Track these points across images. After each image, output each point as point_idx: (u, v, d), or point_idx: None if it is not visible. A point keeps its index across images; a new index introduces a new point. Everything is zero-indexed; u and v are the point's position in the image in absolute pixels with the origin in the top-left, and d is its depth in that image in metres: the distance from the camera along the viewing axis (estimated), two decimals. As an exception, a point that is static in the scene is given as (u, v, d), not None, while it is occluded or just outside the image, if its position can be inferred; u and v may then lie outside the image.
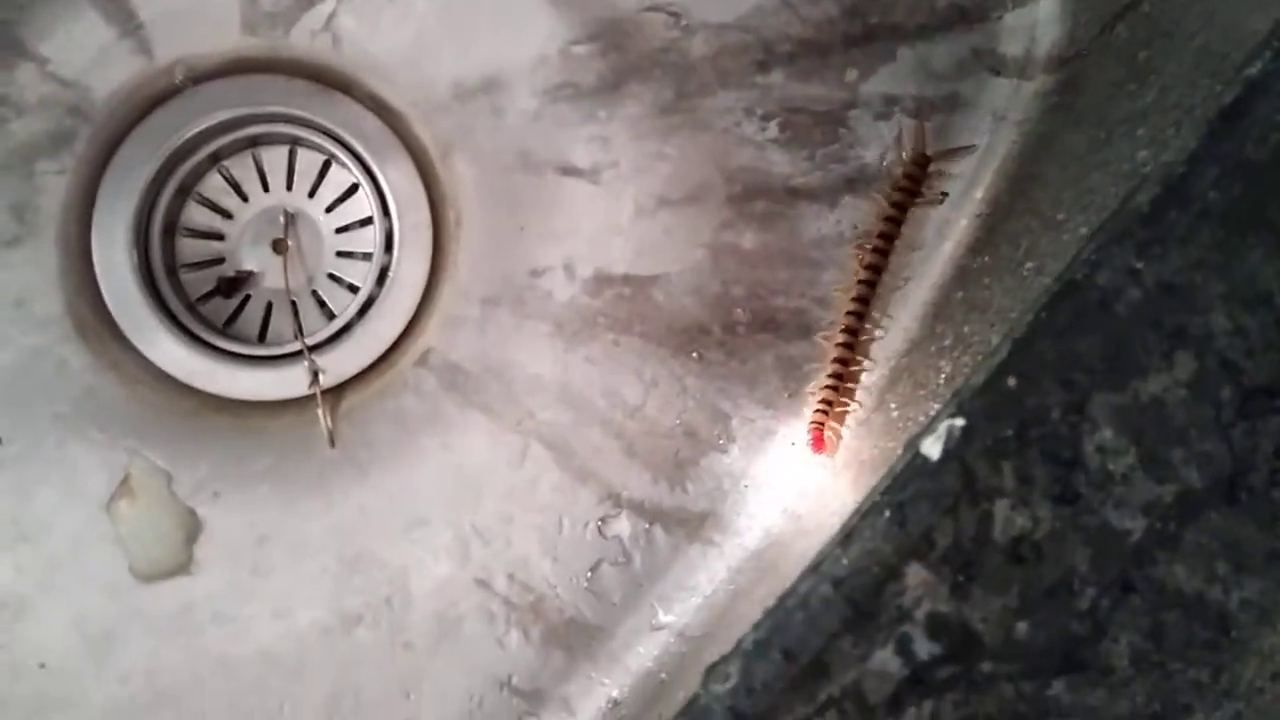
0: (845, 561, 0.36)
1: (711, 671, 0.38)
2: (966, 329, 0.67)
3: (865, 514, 0.37)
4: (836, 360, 0.71)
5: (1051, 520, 0.36)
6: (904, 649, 0.36)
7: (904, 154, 0.74)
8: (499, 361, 0.75)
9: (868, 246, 0.72)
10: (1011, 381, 0.37)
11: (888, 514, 0.36)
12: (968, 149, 0.75)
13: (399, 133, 0.77)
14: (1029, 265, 0.64)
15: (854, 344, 0.72)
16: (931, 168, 0.74)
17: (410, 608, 0.72)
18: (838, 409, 0.71)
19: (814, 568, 0.37)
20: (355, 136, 0.77)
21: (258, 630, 0.72)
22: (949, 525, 0.36)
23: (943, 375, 0.66)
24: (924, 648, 0.36)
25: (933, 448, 0.37)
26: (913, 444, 0.38)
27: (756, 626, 0.37)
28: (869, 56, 0.77)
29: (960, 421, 0.37)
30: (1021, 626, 0.36)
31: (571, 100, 0.77)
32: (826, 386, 0.71)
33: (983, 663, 0.36)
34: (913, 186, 0.73)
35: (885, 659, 0.36)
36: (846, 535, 0.36)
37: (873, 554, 0.36)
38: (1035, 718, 0.36)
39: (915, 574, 0.36)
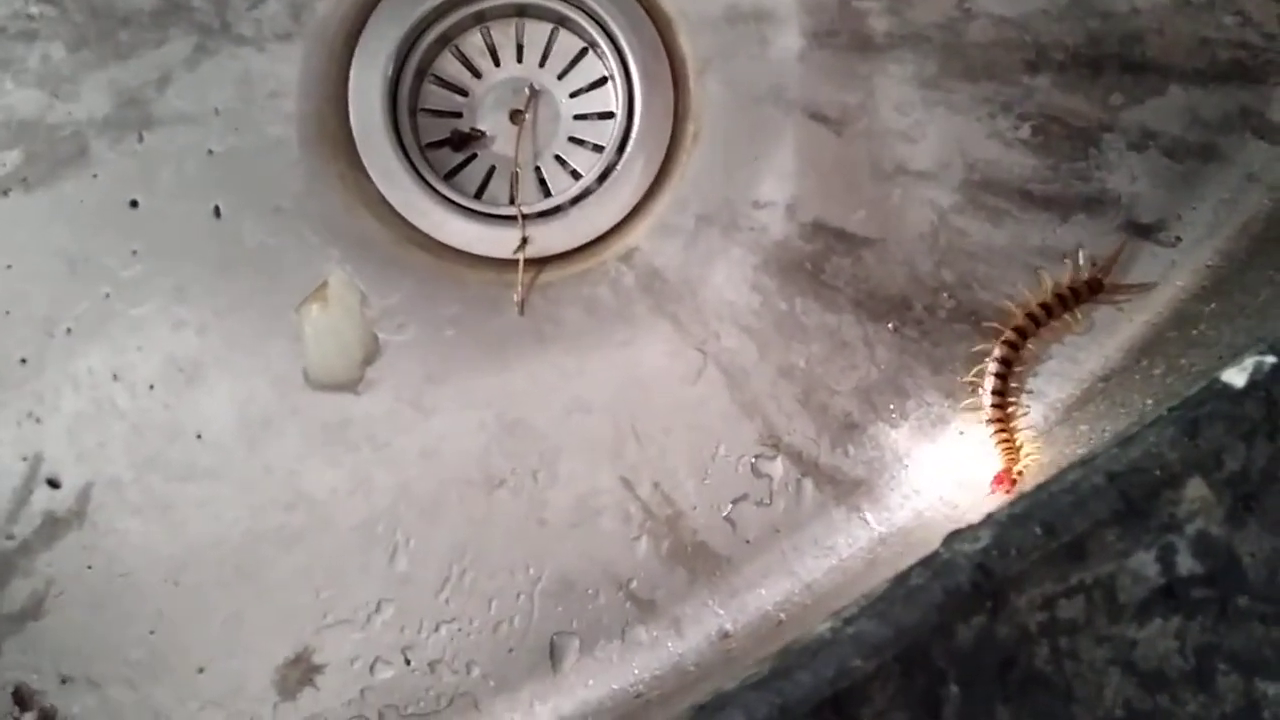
0: (1126, 459, 0.36)
1: (955, 535, 0.37)
2: (1184, 361, 0.66)
3: (1149, 425, 0.36)
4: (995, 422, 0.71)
5: (1346, 476, 0.35)
6: (1166, 558, 0.36)
7: (1083, 269, 0.73)
8: (698, 278, 0.75)
9: (1006, 331, 0.72)
10: (1335, 331, 0.36)
11: (1176, 426, 0.36)
12: (1144, 287, 0.74)
13: (664, 37, 0.79)
14: (1271, 310, 0.63)
15: (1003, 415, 0.71)
16: (1100, 296, 0.73)
17: (553, 486, 0.73)
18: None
19: (1085, 461, 0.36)
20: (621, 30, 0.78)
21: (404, 463, 0.72)
22: (1241, 450, 0.36)
23: (1149, 400, 0.65)
24: (1186, 563, 0.36)
25: (1236, 377, 0.36)
26: (1207, 375, 0.37)
27: (1012, 504, 0.36)
28: (1138, 86, 0.76)
29: (1271, 359, 0.36)
30: (1288, 572, 0.35)
31: (838, 50, 0.77)
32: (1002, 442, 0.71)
33: (1240, 596, 0.36)
34: (1071, 300, 0.72)
35: (1145, 562, 0.36)
36: (1125, 440, 0.36)
37: (1156, 457, 0.36)
38: (1278, 667, 0.35)
39: (1195, 488, 0.36)
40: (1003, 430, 0.70)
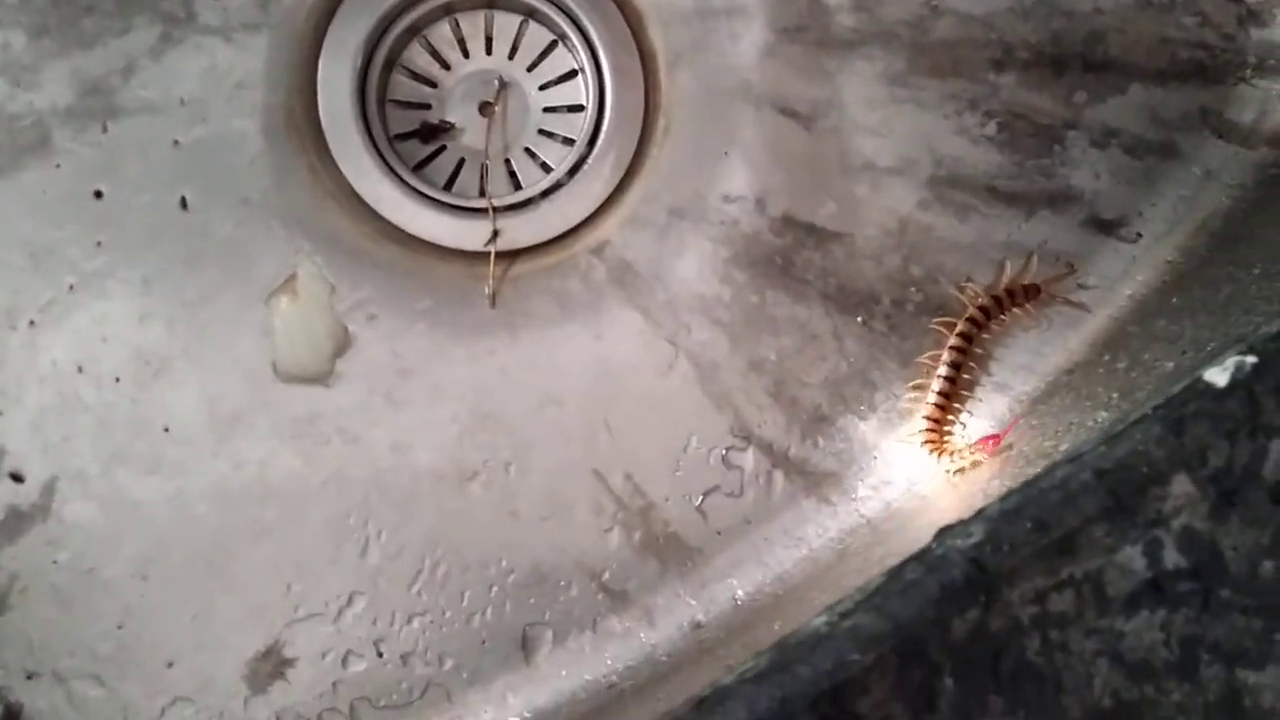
0: (1113, 457, 0.36)
1: (948, 530, 0.38)
2: (1147, 356, 0.67)
3: (1134, 423, 0.37)
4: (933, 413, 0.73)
5: (1322, 474, 0.37)
6: (1153, 553, 0.37)
7: (1029, 271, 0.75)
8: (669, 271, 0.76)
9: (959, 323, 0.74)
10: (1314, 333, 0.38)
11: (1161, 425, 0.37)
12: (1080, 306, 0.76)
13: (635, 31, 0.79)
14: (1234, 308, 0.64)
15: (947, 404, 0.73)
16: (1036, 302, 0.75)
17: (526, 479, 0.73)
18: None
19: (1073, 458, 0.37)
20: (591, 22, 0.78)
21: (376, 456, 0.72)
22: (1225, 448, 0.37)
23: (1115, 393, 0.67)
24: (1171, 557, 0.37)
25: (1219, 376, 0.37)
26: (1190, 372, 0.38)
27: (1003, 499, 0.37)
28: (1101, 85, 0.78)
29: (1252, 358, 0.37)
30: (1268, 566, 0.36)
31: (807, 46, 0.78)
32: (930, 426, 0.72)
33: (1222, 589, 0.37)
34: (1008, 301, 0.74)
35: (1132, 556, 0.37)
36: (1111, 438, 0.37)
37: (1142, 455, 0.37)
38: (1257, 656, 0.36)
39: (1181, 484, 0.37)
40: (934, 431, 0.72)
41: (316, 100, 0.76)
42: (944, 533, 0.37)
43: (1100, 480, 0.36)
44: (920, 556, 0.37)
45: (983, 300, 0.72)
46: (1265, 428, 0.37)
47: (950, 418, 0.72)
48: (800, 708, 0.35)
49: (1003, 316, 0.74)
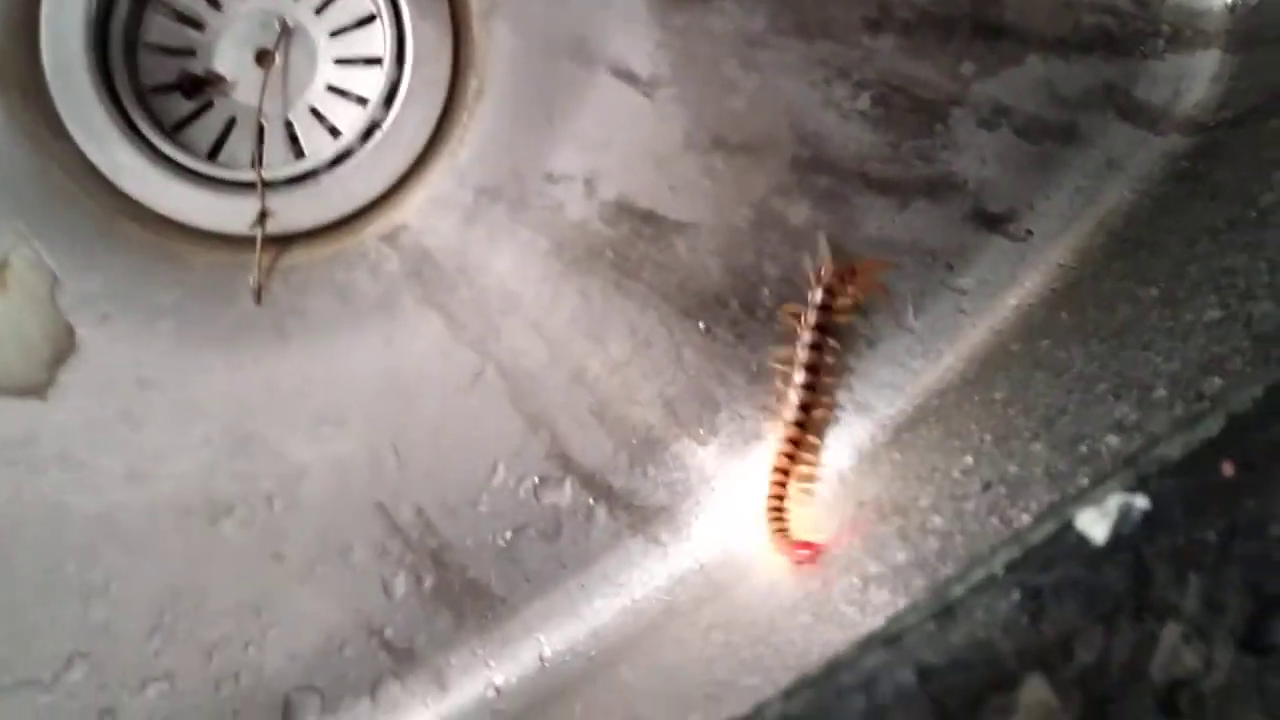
0: (943, 645, 0.25)
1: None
2: (1030, 390, 0.57)
3: (978, 587, 0.25)
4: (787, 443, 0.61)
5: (1230, 671, 0.25)
6: (986, 792, 0.25)
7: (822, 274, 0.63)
8: (478, 264, 0.63)
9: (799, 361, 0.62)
10: (1228, 470, 0.26)
11: (1017, 597, 0.25)
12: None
13: (443, -30, 0.65)
14: (1130, 338, 0.54)
15: (804, 426, 0.61)
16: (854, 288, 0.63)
17: (293, 514, 0.61)
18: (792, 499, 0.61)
19: (891, 638, 0.25)
20: (391, -42, 0.64)
21: (107, 487, 0.60)
22: (1097, 638, 0.25)
23: (989, 435, 0.56)
24: (1014, 799, 0.25)
25: (1095, 526, 0.26)
26: (1058, 512, 0.26)
27: (787, 695, 0.25)
28: (993, 54, 0.66)
29: (1142, 502, 0.26)
30: (1150, 805, 0.25)
31: (650, -4, 0.65)
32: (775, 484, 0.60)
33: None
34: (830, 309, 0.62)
35: (956, 797, 0.25)
36: (947, 608, 0.25)
37: (984, 646, 0.25)
38: None
39: (1035, 691, 0.25)
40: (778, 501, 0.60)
41: (39, 45, 0.61)
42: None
43: (924, 684, 0.25)
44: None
45: (811, 315, 0.61)
46: (1155, 607, 0.25)
47: (807, 456, 0.60)
48: None
49: (838, 319, 0.62)
